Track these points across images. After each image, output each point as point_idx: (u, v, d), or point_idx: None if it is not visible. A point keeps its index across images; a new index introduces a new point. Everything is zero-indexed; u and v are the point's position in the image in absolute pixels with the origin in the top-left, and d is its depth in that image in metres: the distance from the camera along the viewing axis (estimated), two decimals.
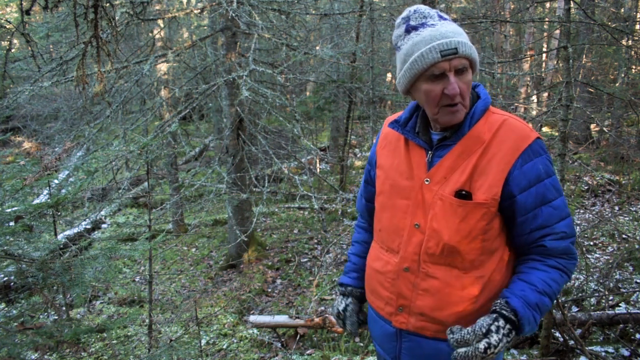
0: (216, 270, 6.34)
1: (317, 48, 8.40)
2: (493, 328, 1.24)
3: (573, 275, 5.02)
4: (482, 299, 1.37)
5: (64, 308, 4.46)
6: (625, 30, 4.34)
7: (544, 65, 11.00)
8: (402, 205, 1.43)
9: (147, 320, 4.56)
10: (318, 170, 10.35)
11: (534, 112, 9.00)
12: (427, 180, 1.38)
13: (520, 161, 1.30)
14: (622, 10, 10.17)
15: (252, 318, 4.33)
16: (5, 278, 4.61)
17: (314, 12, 5.97)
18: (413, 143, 1.44)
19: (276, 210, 8.72)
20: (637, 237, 6.01)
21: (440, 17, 1.35)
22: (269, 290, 5.77)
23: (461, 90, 1.30)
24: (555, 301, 1.40)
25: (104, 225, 8.40)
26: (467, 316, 1.37)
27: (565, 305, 4.14)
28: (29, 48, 1.90)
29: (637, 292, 4.49)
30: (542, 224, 1.33)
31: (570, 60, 3.14)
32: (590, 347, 3.49)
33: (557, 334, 3.61)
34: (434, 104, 1.33)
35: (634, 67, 9.32)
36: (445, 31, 1.29)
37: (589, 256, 5.49)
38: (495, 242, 1.37)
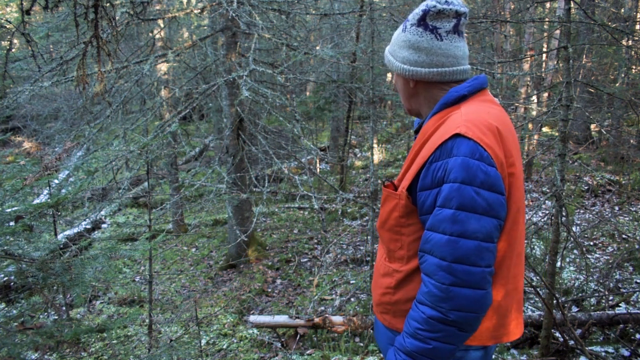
0: (216, 270, 6.34)
1: (317, 48, 8.40)
2: None
3: (573, 276, 5.04)
4: (399, 295, 1.38)
5: (64, 308, 4.46)
6: (625, 30, 4.34)
7: (544, 65, 10.99)
8: None
9: (147, 320, 4.56)
10: (318, 170, 10.35)
11: (534, 112, 8.99)
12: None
13: (431, 158, 1.24)
14: (622, 10, 10.17)
15: (252, 318, 4.33)
16: (5, 278, 4.62)
17: (314, 12, 5.97)
18: None
19: (276, 210, 8.72)
20: (637, 237, 6.01)
21: (406, 21, 1.40)
22: (269, 290, 5.77)
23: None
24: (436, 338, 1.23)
25: (104, 225, 8.40)
26: (385, 304, 1.42)
27: (565, 305, 4.14)
28: (29, 48, 1.90)
29: (637, 292, 4.49)
30: (426, 227, 1.26)
31: (570, 60, 3.14)
32: (590, 347, 3.49)
33: (557, 334, 3.61)
34: None
35: (634, 67, 9.31)
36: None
37: (589, 256, 5.49)
38: (419, 241, 1.31)
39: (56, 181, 5.51)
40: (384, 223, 1.41)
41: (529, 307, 4.32)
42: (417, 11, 1.34)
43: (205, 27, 7.54)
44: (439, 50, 1.33)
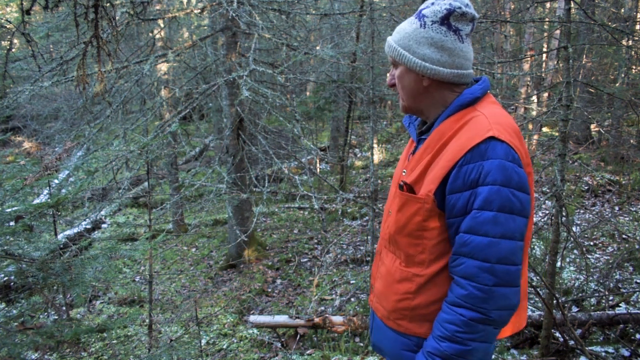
0: (216, 270, 6.34)
1: (318, 48, 8.40)
2: None
3: (573, 276, 5.03)
4: (420, 299, 1.36)
5: (64, 308, 4.46)
6: (625, 30, 4.34)
7: (544, 65, 10.99)
8: (391, 193, 1.52)
9: (147, 320, 4.56)
10: (318, 170, 10.35)
11: (534, 112, 8.99)
12: (404, 172, 1.44)
13: (462, 160, 1.23)
14: (622, 10, 10.17)
15: (252, 318, 4.33)
16: (5, 278, 4.62)
17: (314, 12, 5.97)
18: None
19: (276, 210, 8.72)
20: (637, 237, 6.01)
21: (419, 12, 1.36)
22: (269, 290, 5.77)
23: (396, 83, 1.42)
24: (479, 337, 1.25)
25: (104, 225, 8.40)
26: (402, 310, 1.39)
27: (565, 305, 4.14)
28: (29, 48, 1.90)
29: (637, 292, 4.49)
30: (459, 229, 1.26)
31: (570, 60, 3.14)
32: (590, 347, 3.49)
33: (557, 334, 3.61)
34: None
35: (634, 67, 9.32)
36: (396, 29, 1.41)
37: (589, 256, 5.49)
38: (442, 244, 1.32)
39: (56, 181, 5.51)
40: (402, 228, 1.37)
41: (529, 307, 4.33)
42: (438, 9, 1.31)
43: (205, 27, 7.54)
44: (460, 52, 1.34)
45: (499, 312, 1.21)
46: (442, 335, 1.26)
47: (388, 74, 1.45)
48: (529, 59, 9.60)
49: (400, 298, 1.39)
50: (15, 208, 2.27)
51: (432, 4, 1.34)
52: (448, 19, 1.31)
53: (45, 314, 4.65)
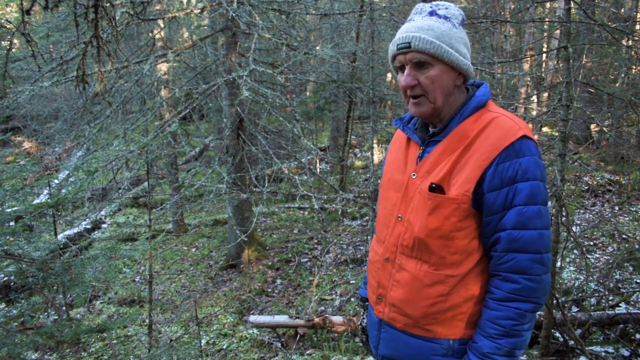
0: (216, 270, 6.34)
1: (317, 48, 8.40)
2: None
3: (573, 276, 5.03)
4: (452, 300, 1.36)
5: (64, 308, 4.46)
6: (625, 30, 4.34)
7: (544, 65, 11.00)
8: (392, 197, 1.48)
9: (147, 320, 4.56)
10: (318, 170, 10.35)
11: (534, 112, 9.00)
12: (413, 175, 1.42)
13: (497, 159, 1.27)
14: (622, 10, 10.17)
15: (252, 318, 4.33)
16: (5, 278, 4.62)
17: (314, 12, 5.97)
18: (412, 139, 1.50)
19: (276, 210, 8.72)
20: (637, 237, 6.01)
21: (432, 13, 1.36)
22: (269, 290, 5.77)
23: (421, 84, 1.34)
24: (531, 325, 1.35)
25: (104, 225, 8.40)
26: (435, 314, 1.38)
27: (565, 305, 4.14)
28: (29, 48, 1.90)
29: (637, 292, 4.49)
30: (500, 226, 1.29)
31: (570, 60, 3.14)
32: (590, 347, 3.49)
33: (557, 334, 3.61)
34: (403, 95, 1.40)
35: (634, 67, 9.31)
36: (414, 26, 1.34)
37: (589, 256, 5.49)
38: (472, 243, 1.35)
39: (56, 181, 5.51)
40: (434, 231, 1.35)
41: None
42: (457, 13, 1.38)
43: (205, 27, 7.53)
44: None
45: (545, 297, 1.30)
46: (498, 332, 1.29)
47: (405, 75, 1.36)
48: (529, 59, 9.60)
49: (432, 302, 1.37)
50: (15, 208, 2.27)
51: (442, 7, 1.37)
52: (463, 24, 1.40)
53: (45, 314, 4.65)
